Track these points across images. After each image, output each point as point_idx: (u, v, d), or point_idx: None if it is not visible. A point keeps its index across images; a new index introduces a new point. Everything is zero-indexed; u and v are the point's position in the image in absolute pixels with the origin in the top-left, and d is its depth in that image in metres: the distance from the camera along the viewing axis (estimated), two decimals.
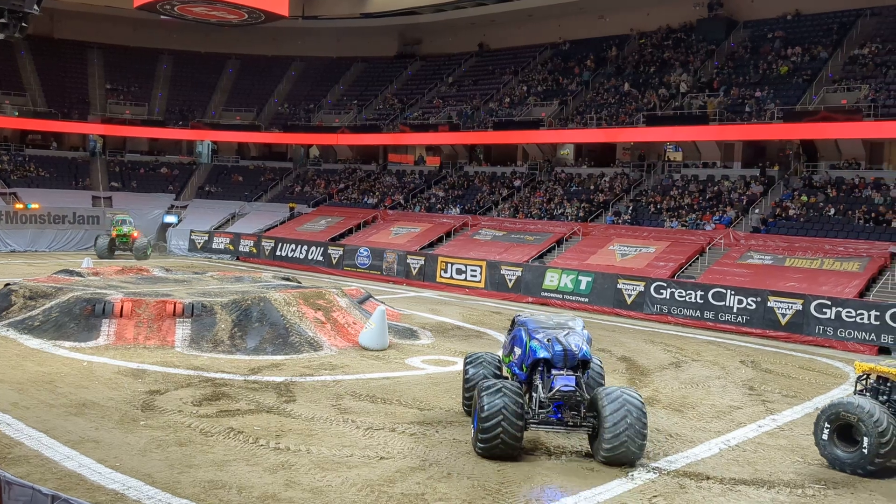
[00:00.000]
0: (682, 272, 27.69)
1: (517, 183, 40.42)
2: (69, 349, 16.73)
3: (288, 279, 25.70)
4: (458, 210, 39.08)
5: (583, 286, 27.61)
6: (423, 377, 15.86)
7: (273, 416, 12.53)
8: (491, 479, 10.05)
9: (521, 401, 10.70)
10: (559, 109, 41.13)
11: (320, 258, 36.86)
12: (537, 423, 11.09)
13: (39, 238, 40.84)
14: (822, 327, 22.21)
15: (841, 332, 21.79)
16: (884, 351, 20.91)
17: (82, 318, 17.89)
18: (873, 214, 27.70)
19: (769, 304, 23.22)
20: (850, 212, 28.43)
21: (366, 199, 43.89)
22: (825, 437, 11.12)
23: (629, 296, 26.24)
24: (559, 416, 11.02)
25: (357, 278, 33.46)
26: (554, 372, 11.23)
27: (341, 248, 36.24)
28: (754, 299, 23.64)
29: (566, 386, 11.00)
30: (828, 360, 19.97)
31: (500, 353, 13.51)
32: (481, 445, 10.77)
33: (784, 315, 22.89)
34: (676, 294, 25.24)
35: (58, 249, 40.79)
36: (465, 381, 12.79)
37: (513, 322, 12.85)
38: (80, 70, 52.93)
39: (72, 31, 51.50)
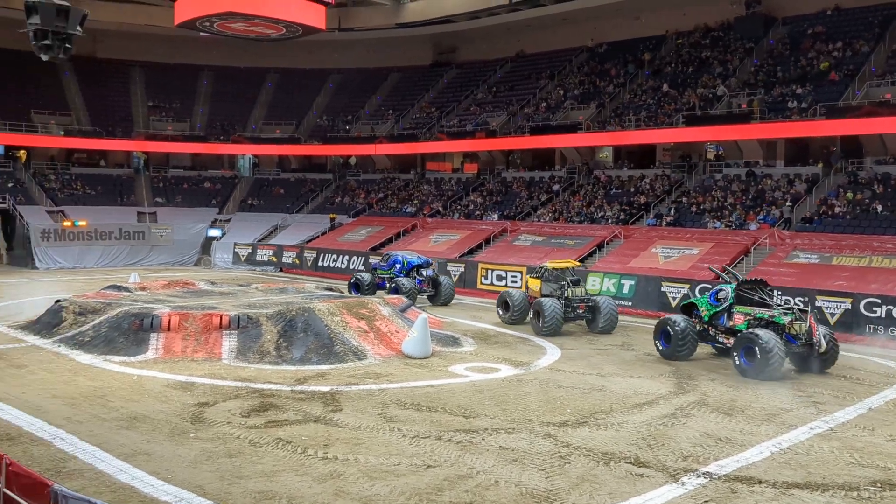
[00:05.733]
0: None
1: (556, 187, 40.27)
2: (119, 363, 17.04)
3: (331, 289, 25.91)
4: (496, 216, 39.06)
5: (626, 289, 27.38)
6: (467, 384, 15.86)
7: (320, 425, 12.63)
8: (539, 487, 10.01)
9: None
10: (597, 112, 40.93)
11: (361, 268, 37.05)
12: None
13: (87, 254, 41.66)
14: (872, 326, 21.74)
15: (893, 330, 21.30)
16: None
17: (131, 332, 18.21)
18: None
19: (817, 303, 22.79)
20: None
21: (405, 208, 44.08)
22: None
23: (674, 298, 25.95)
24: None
25: None
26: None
27: (380, 258, 36.33)
28: (802, 299, 23.21)
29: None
30: (879, 359, 19.52)
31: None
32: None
33: (833, 314, 22.46)
34: None
35: (105, 265, 41.57)
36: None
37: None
38: (122, 88, 54.03)
39: (114, 50, 52.57)
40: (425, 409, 13.74)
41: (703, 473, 10.63)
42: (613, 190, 37.92)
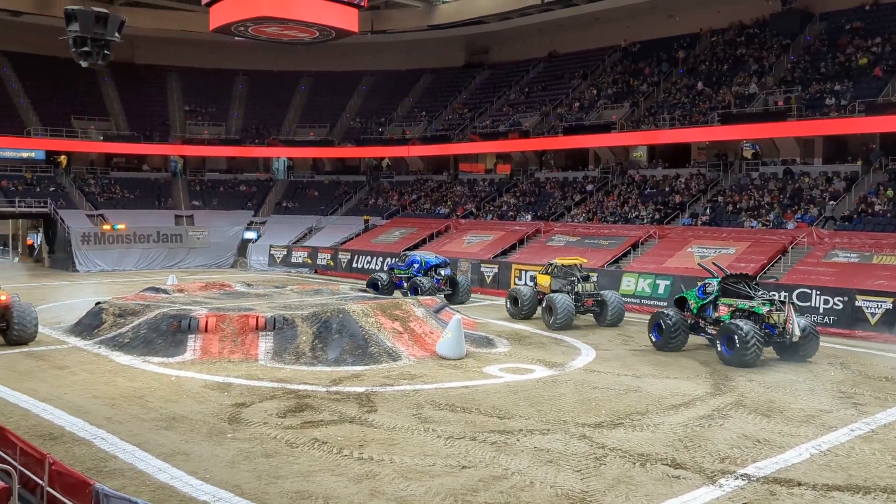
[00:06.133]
0: (765, 273, 26.97)
1: (590, 187, 40.07)
2: (158, 364, 17.29)
3: (365, 290, 26.03)
4: (530, 217, 38.96)
5: (661, 290, 27.14)
6: (502, 385, 15.85)
7: (356, 426, 12.71)
8: (574, 488, 9.98)
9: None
10: (630, 111, 40.66)
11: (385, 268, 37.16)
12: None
13: (126, 257, 42.31)
14: None
15: None
16: None
17: (169, 334, 18.47)
18: None
19: (857, 303, 22.43)
20: None
21: (438, 209, 44.15)
22: None
23: None
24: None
25: None
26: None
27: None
28: (841, 299, 22.87)
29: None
30: None
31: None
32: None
33: (874, 314, 22.08)
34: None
35: (143, 268, 42.18)
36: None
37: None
38: (159, 93, 54.83)
39: (151, 56, 53.37)
40: (460, 409, 13.76)
41: (741, 475, 10.52)
42: (648, 189, 37.63)
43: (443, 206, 44.47)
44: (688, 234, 31.58)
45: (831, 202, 30.45)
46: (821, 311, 23.21)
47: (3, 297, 19.01)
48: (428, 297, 24.59)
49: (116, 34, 22.74)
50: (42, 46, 45.55)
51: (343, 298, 22.01)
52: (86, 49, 22.46)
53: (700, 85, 39.29)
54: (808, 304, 23.46)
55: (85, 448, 11.47)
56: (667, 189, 36.82)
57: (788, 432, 12.64)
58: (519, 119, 45.32)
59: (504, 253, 35.33)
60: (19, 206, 42.60)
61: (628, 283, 27.95)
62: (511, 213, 40.45)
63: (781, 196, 32.26)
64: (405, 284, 28.86)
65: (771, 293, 19.65)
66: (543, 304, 23.59)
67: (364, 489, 9.88)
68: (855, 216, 28.88)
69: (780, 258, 27.79)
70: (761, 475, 10.56)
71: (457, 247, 37.29)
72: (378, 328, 18.79)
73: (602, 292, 24.23)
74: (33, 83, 49.20)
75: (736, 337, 17.49)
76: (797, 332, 17.89)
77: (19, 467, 8.50)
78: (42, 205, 43.03)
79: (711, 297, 19.33)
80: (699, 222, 32.67)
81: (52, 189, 45.29)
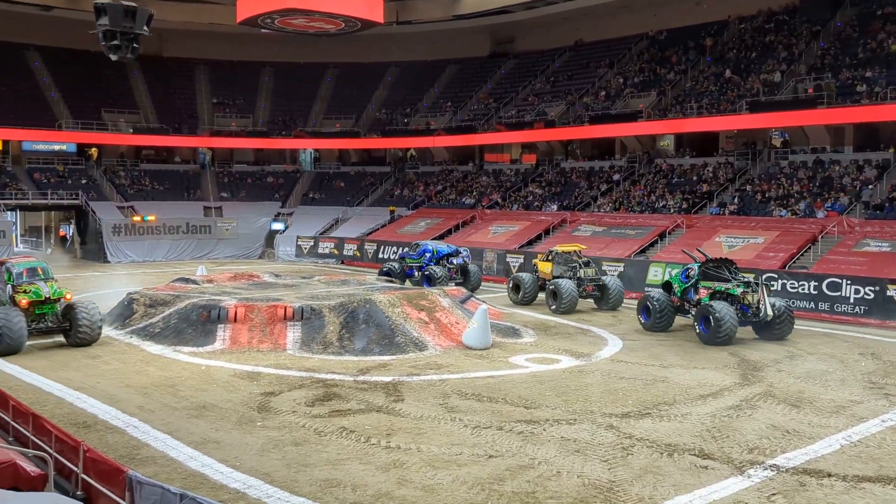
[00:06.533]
0: (794, 262, 26.73)
1: (616, 177, 39.86)
2: (188, 354, 17.53)
3: (392, 280, 26.13)
4: (556, 207, 38.85)
5: None
6: (528, 375, 15.87)
7: (383, 415, 12.80)
8: (601, 478, 9.99)
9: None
10: (657, 100, 40.34)
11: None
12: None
13: (156, 248, 42.84)
14: None
15: None
16: None
17: (199, 323, 18.70)
18: None
19: (889, 292, 22.13)
20: None
21: (463, 200, 44.15)
22: None
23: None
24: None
25: None
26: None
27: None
28: (872, 288, 22.59)
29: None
30: None
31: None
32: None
33: None
34: (788, 285, 24.37)
35: (173, 259, 42.67)
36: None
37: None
38: (188, 86, 55.28)
39: (179, 49, 53.82)
40: (486, 399, 13.81)
41: (770, 466, 10.47)
42: (675, 178, 37.36)
43: (468, 196, 44.46)
44: (716, 224, 31.32)
45: (861, 190, 30.03)
46: (851, 300, 22.95)
47: (68, 295, 18.46)
48: (454, 288, 24.66)
49: (145, 28, 22.90)
50: (72, 40, 46.09)
51: (370, 289, 22.13)
52: (115, 43, 22.65)
53: (728, 72, 38.87)
54: (838, 293, 23.22)
55: (118, 436, 11.67)
56: (694, 178, 36.52)
57: (818, 423, 12.54)
58: (544, 108, 45.13)
59: (530, 243, 35.28)
60: (52, 199, 43.24)
61: (655, 273, 27.79)
62: (537, 204, 40.36)
63: (811, 185, 31.89)
64: (416, 273, 29.39)
65: (747, 276, 20.58)
66: (548, 290, 24.61)
67: (391, 477, 9.97)
68: (886, 204, 28.46)
69: (809, 247, 27.50)
70: (790, 466, 10.50)
71: (482, 237, 37.28)
72: (404, 318, 18.87)
73: (602, 278, 25.47)
74: (64, 77, 49.83)
75: (711, 318, 18.66)
76: (769, 312, 19.07)
77: (54, 454, 8.68)
78: (74, 197, 43.64)
79: (693, 281, 20.51)
80: (727, 211, 32.39)
81: (83, 181, 45.91)
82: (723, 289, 19.74)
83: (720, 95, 37.56)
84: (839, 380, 15.59)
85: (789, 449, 11.20)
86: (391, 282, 26.17)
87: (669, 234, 31.90)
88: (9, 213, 42.11)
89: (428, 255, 29.64)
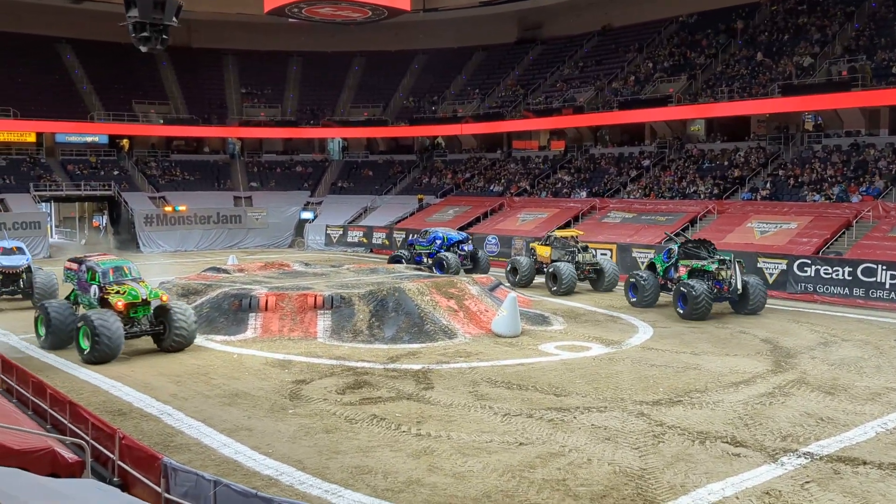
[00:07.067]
0: (828, 248, 26.35)
1: (646, 163, 39.51)
2: (220, 342, 17.71)
3: (420, 269, 26.17)
4: (585, 193, 38.61)
5: None
6: (558, 363, 15.84)
7: (413, 402, 12.86)
8: (632, 465, 9.96)
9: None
10: (688, 84, 39.87)
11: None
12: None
13: (188, 238, 43.28)
14: None
15: None
16: None
17: (231, 312, 18.86)
18: None
19: None
20: None
21: (491, 187, 44.04)
22: None
23: (770, 275, 25.22)
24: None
25: None
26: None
27: (470, 237, 36.50)
28: None
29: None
30: None
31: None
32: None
33: None
34: (822, 271, 24.06)
35: (204, 248, 43.08)
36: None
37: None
38: (216, 76, 55.63)
39: (207, 39, 54.10)
40: (516, 387, 13.81)
41: (804, 454, 10.37)
42: (706, 164, 36.95)
43: (496, 183, 44.34)
44: (747, 209, 30.95)
45: (893, 174, 29.54)
46: (887, 286, 22.59)
47: (164, 297, 17.04)
48: (483, 276, 24.67)
49: (174, 19, 23.02)
50: (102, 33, 46.51)
51: (399, 277, 22.17)
52: (145, 34, 22.78)
53: (760, 56, 38.30)
54: (873, 279, 22.88)
55: (153, 423, 11.85)
56: (725, 163, 36.11)
57: (853, 410, 12.39)
58: (573, 94, 44.81)
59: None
60: (85, 190, 43.83)
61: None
62: (566, 191, 40.15)
63: (845, 169, 31.38)
64: (425, 260, 29.81)
65: (723, 255, 21.95)
66: (547, 272, 25.98)
67: (422, 465, 10.02)
68: None
69: (843, 233, 27.09)
70: (825, 453, 10.39)
71: (511, 224, 37.18)
72: (434, 306, 18.91)
73: (598, 260, 27.08)
74: (95, 69, 50.38)
75: (687, 295, 20.37)
76: (738, 287, 20.96)
77: (91, 441, 8.83)
78: (106, 188, 44.19)
79: (674, 260, 22.37)
80: (759, 197, 31.99)
81: (115, 172, 46.46)
82: (699, 266, 21.43)
83: (752, 79, 37.03)
84: (874, 366, 15.38)
85: (823, 436, 11.08)
86: (419, 269, 26.23)
87: (700, 219, 31.59)
88: (44, 204, 42.76)
89: (438, 241, 30.08)
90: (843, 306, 22.90)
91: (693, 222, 31.45)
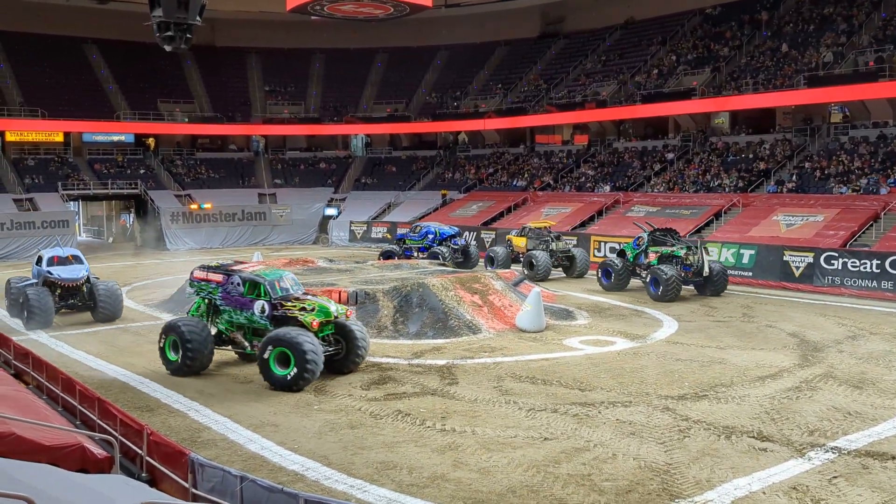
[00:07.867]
0: (855, 240, 26.04)
1: (670, 156, 39.24)
2: None
3: (444, 265, 26.20)
4: (608, 188, 38.44)
5: (745, 259, 26.51)
6: (582, 358, 15.80)
7: (437, 398, 12.89)
8: (658, 460, 9.93)
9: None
10: (711, 77, 39.53)
11: (473, 242, 37.23)
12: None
13: (213, 235, 43.59)
14: None
15: None
16: None
17: None
18: None
19: None
20: None
21: (515, 182, 43.97)
22: None
23: (797, 268, 24.98)
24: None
25: None
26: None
27: (493, 232, 36.51)
28: None
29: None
30: None
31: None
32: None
33: None
34: (850, 264, 23.79)
35: (230, 245, 43.39)
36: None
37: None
38: (240, 75, 55.98)
39: (231, 38, 54.50)
40: (540, 382, 13.81)
41: (831, 448, 10.29)
42: (731, 157, 36.62)
43: (519, 178, 44.26)
44: (773, 202, 30.66)
45: None
46: None
47: (349, 313, 15.05)
48: (506, 270, 24.65)
49: (198, 18, 23.18)
50: (127, 33, 46.98)
51: (423, 273, 22.21)
52: (169, 34, 22.94)
53: (785, 47, 37.88)
54: None
55: (180, 419, 11.98)
56: (750, 156, 35.76)
57: (881, 404, 12.26)
58: (596, 88, 44.60)
59: (583, 224, 35.00)
60: (112, 188, 44.33)
61: (711, 253, 27.34)
62: (589, 185, 39.99)
63: (873, 160, 30.97)
64: (415, 254, 30.11)
65: (688, 241, 24.55)
66: (524, 260, 28.01)
67: (447, 460, 10.05)
68: None
69: (871, 225, 26.75)
70: (852, 448, 10.30)
71: (535, 219, 37.04)
72: (458, 302, 18.93)
73: (571, 249, 29.35)
74: (121, 69, 50.88)
75: (658, 279, 22.41)
76: (706, 270, 22.91)
77: (120, 437, 8.95)
78: (132, 186, 44.67)
79: (643, 247, 24.38)
80: (785, 190, 31.67)
81: (141, 171, 46.93)
82: (668, 251, 23.55)
83: (777, 70, 36.64)
84: None
85: (851, 431, 10.98)
86: (443, 265, 26.25)
87: (725, 213, 31.34)
88: (72, 202, 43.26)
89: (431, 236, 30.35)
90: (870, 299, 22.64)
91: (718, 216, 31.22)
